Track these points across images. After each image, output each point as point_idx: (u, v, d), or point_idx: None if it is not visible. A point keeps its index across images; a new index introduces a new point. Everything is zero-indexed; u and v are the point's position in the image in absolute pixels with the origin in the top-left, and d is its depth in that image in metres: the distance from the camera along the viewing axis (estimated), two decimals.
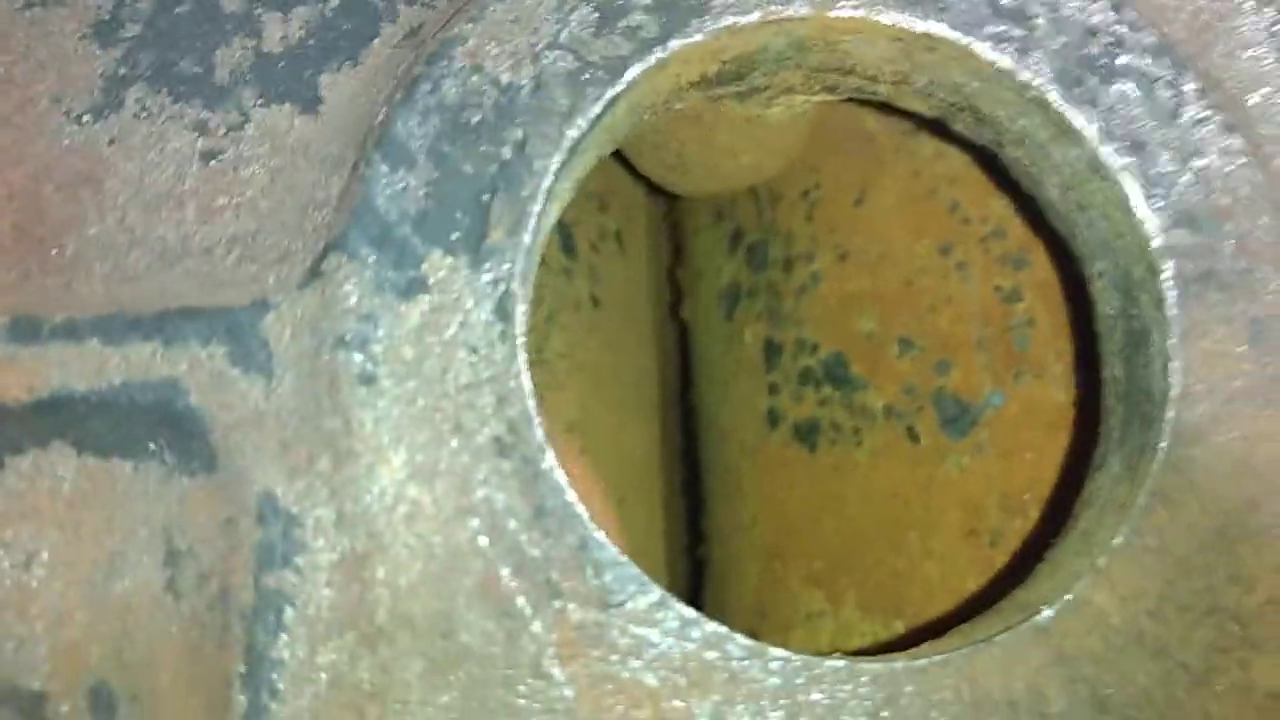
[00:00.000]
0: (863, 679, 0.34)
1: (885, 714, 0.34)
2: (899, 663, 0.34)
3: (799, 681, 0.34)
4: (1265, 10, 0.47)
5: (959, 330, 0.60)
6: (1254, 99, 0.46)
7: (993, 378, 0.59)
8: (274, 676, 0.34)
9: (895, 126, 0.61)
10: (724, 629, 0.34)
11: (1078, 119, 0.40)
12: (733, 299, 0.71)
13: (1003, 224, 0.59)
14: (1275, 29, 0.47)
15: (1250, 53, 0.46)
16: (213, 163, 0.39)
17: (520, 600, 0.33)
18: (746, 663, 0.34)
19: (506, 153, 0.38)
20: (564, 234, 0.64)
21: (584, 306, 0.63)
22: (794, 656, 0.34)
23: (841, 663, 0.34)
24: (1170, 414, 0.38)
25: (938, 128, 0.55)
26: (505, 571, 0.34)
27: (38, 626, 0.35)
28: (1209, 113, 0.42)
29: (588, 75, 0.38)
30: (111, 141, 0.39)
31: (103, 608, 0.34)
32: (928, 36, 0.40)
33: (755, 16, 0.39)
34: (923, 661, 0.35)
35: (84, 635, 0.34)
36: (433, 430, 0.36)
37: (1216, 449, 0.37)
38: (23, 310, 0.36)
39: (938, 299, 0.60)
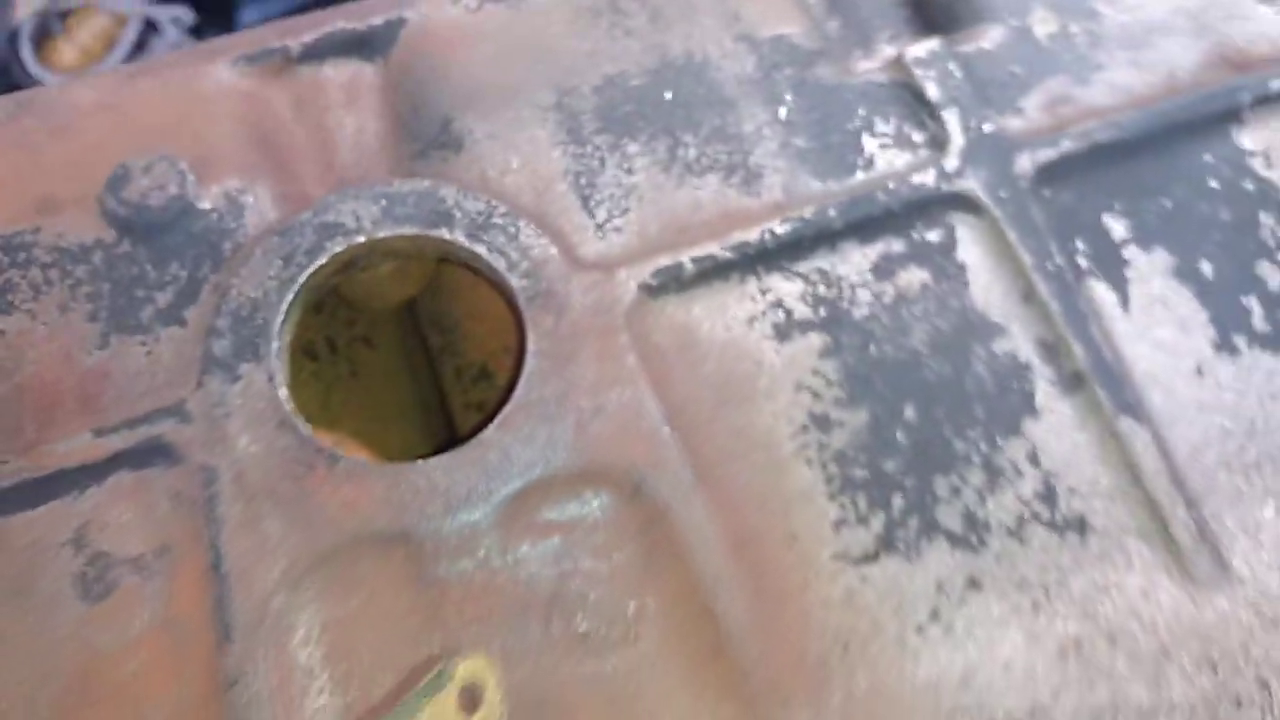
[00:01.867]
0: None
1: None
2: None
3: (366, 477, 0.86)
4: (567, 177, 1.07)
5: None
6: (565, 217, 1.00)
7: None
8: (224, 522, 0.86)
9: None
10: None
11: (479, 249, 0.85)
12: (440, 352, 1.24)
13: None
14: (569, 184, 1.01)
15: (560, 193, 1.04)
16: (153, 354, 0.93)
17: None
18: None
19: (258, 324, 0.84)
20: (330, 342, 1.11)
21: (346, 379, 1.06)
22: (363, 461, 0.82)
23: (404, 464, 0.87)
24: None
25: None
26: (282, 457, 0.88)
27: None
28: (532, 230, 0.88)
29: (283, 289, 0.82)
30: (110, 357, 0.94)
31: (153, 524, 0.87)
32: (411, 235, 0.85)
33: (341, 247, 0.85)
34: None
35: None
36: (251, 426, 0.82)
37: None
38: (96, 424, 0.88)
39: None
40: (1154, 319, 0.87)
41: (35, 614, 0.81)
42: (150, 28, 2.18)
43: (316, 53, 0.93)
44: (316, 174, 0.91)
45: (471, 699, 0.74)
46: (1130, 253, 0.90)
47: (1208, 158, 0.92)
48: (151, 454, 0.81)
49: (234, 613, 0.78)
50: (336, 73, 0.95)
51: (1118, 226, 0.91)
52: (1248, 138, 0.95)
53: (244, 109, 0.92)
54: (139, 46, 2.21)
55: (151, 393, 0.83)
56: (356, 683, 0.80)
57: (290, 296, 0.85)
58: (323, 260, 0.86)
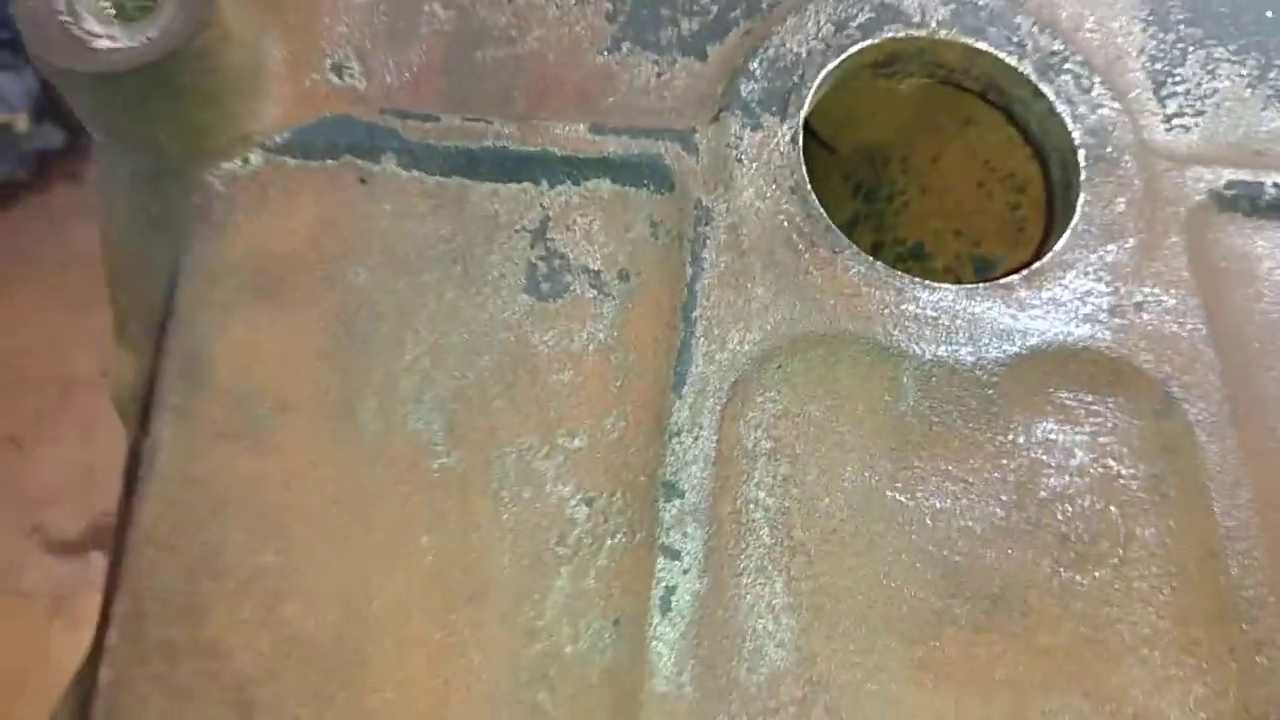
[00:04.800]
0: None
1: None
2: None
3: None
4: (1142, 55, 0.91)
5: (986, 226, 1.03)
6: (1134, 93, 0.90)
7: (1002, 247, 1.02)
8: (707, 267, 0.73)
9: (955, 118, 1.06)
10: None
11: (1045, 89, 0.79)
12: (852, 223, 1.14)
13: (1014, 170, 1.01)
14: (1143, 62, 0.89)
15: (1131, 69, 0.89)
16: (665, 77, 0.83)
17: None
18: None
19: (794, 80, 0.83)
20: None
21: None
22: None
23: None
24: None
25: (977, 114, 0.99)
26: (788, 222, 0.76)
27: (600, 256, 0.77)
28: (1106, 91, 0.86)
29: (827, 54, 0.83)
30: (618, 64, 0.82)
31: (623, 243, 0.77)
32: (977, 50, 0.80)
33: (900, 34, 0.81)
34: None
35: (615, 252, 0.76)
36: (761, 180, 0.73)
37: None
38: (592, 120, 0.79)
39: (976, 210, 1.03)
40: None
41: (477, 287, 0.72)
42: None
43: None
44: None
45: None
46: None
47: None
48: (643, 172, 0.72)
49: (694, 365, 0.67)
50: None
51: None
52: None
53: None
54: None
55: (656, 113, 0.74)
56: (795, 490, 0.67)
57: (833, 65, 0.73)
58: (876, 40, 0.74)
